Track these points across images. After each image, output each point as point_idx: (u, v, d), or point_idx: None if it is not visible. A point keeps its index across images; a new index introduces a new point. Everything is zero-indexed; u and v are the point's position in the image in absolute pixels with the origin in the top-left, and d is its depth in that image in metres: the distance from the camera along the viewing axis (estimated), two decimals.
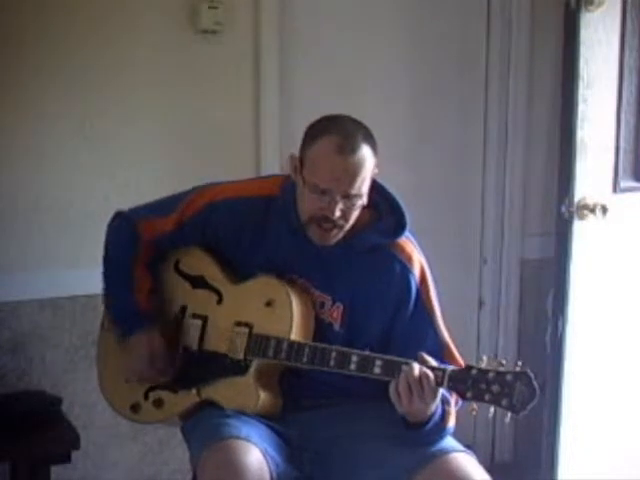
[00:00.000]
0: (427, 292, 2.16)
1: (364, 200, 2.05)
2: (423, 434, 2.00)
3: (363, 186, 2.02)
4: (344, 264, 2.13)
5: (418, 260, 2.16)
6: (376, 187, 2.11)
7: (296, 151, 2.10)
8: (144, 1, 2.87)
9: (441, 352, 2.12)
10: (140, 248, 2.21)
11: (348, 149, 1.98)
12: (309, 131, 2.06)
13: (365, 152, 2.01)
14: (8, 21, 2.71)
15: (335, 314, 2.13)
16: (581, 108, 3.07)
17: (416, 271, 2.15)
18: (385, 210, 2.16)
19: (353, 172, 1.99)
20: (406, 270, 2.13)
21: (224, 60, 2.98)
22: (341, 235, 2.08)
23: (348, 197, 2.01)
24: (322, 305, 2.14)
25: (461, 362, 2.11)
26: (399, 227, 2.15)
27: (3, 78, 2.72)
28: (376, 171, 2.07)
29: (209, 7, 2.88)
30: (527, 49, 3.39)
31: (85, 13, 2.79)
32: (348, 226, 2.07)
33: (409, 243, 2.17)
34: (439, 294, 2.19)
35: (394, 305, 2.13)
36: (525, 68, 3.40)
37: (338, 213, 2.02)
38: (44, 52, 2.76)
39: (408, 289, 2.13)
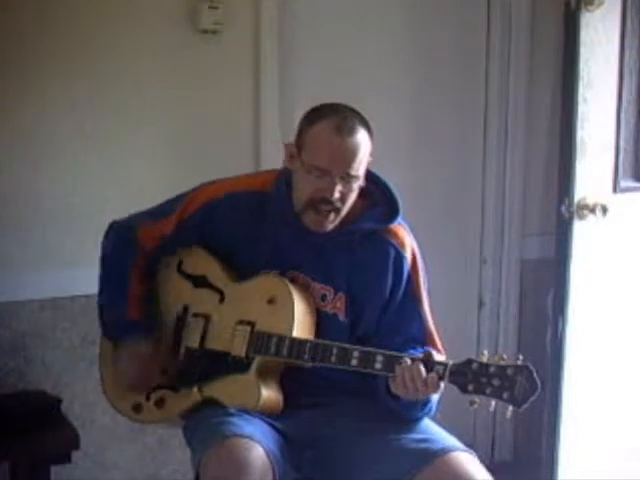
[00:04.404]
0: (417, 278, 2.18)
1: (361, 183, 2.09)
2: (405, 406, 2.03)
3: (361, 168, 2.06)
4: (341, 252, 2.14)
5: (410, 245, 2.19)
6: (370, 176, 2.15)
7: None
8: (144, 1, 2.87)
9: (425, 339, 2.15)
10: (138, 256, 2.22)
11: (346, 130, 2.03)
12: (306, 117, 2.11)
13: (363, 134, 2.05)
14: (9, 22, 2.71)
15: (339, 304, 2.15)
16: (581, 108, 3.07)
17: (408, 255, 2.17)
18: (379, 198, 2.19)
19: (352, 152, 2.03)
20: (399, 255, 2.16)
21: (224, 60, 2.98)
22: (337, 221, 2.10)
23: (347, 178, 2.05)
24: (324, 297, 2.15)
25: (441, 349, 2.14)
26: (392, 213, 2.18)
27: (4, 78, 2.72)
28: (371, 159, 2.10)
29: (209, 7, 2.88)
30: (527, 49, 3.39)
31: (86, 13, 2.79)
32: (345, 211, 2.09)
33: (402, 229, 2.19)
34: (429, 281, 2.21)
35: (389, 290, 2.15)
36: (525, 68, 3.40)
37: (337, 194, 2.04)
38: (44, 52, 2.75)
39: (401, 274, 2.16)
